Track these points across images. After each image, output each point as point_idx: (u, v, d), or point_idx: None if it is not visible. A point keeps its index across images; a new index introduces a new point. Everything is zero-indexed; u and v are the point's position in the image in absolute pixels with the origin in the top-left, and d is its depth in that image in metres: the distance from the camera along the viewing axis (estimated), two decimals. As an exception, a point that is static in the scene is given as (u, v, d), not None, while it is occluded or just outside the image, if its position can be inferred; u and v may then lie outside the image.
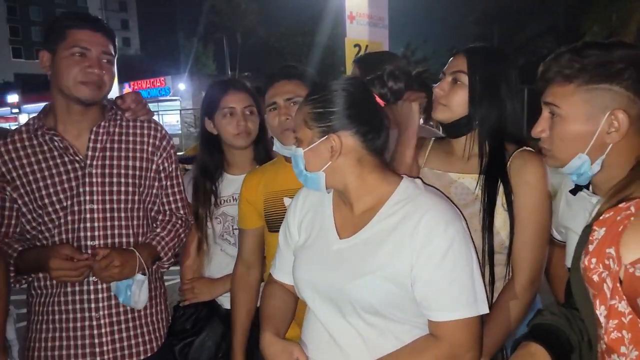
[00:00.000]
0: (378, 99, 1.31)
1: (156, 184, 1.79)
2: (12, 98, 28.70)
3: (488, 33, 28.95)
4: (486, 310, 1.20)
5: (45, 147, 1.65)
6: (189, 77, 28.15)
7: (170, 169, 1.82)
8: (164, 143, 1.81)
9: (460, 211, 1.29)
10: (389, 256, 1.19)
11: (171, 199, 1.83)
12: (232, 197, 2.01)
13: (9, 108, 28.14)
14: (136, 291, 1.65)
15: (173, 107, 25.57)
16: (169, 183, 1.82)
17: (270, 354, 1.29)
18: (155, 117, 1.91)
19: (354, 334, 1.23)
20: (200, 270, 2.06)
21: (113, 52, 1.66)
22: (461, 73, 1.48)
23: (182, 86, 26.87)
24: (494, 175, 1.46)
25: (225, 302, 2.00)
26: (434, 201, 1.23)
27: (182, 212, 1.86)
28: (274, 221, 1.74)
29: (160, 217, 1.82)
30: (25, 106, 27.82)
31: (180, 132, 23.13)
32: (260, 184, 1.79)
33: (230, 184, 2.02)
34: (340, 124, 1.23)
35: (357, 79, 1.33)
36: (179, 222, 1.84)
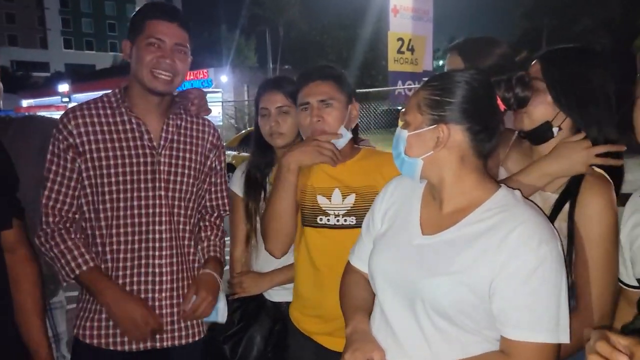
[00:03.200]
0: (500, 102, 1.27)
1: (207, 179, 1.87)
2: (63, 87, 29.79)
3: (537, 27, 28.05)
4: (567, 341, 1.11)
5: (121, 127, 1.68)
6: (231, 69, 28.49)
7: (220, 167, 1.92)
8: (219, 143, 1.92)
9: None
10: (471, 262, 1.13)
11: (219, 195, 1.92)
12: None
13: (60, 97, 29.22)
14: (221, 307, 1.80)
15: (215, 99, 25.96)
16: (218, 180, 1.91)
17: (356, 340, 1.24)
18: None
19: (419, 334, 1.19)
20: (248, 263, 2.09)
21: (188, 42, 1.70)
22: (536, 80, 1.40)
23: (224, 78, 27.21)
24: (565, 197, 1.37)
25: (273, 295, 2.03)
26: (530, 215, 1.15)
27: (227, 208, 1.97)
28: (309, 216, 1.75)
29: (207, 217, 1.91)
30: (74, 95, 28.85)
31: (221, 123, 23.52)
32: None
33: None
34: (454, 116, 1.18)
35: (485, 75, 1.28)
36: (222, 226, 1.95)
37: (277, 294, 2.02)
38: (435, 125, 1.19)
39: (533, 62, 1.46)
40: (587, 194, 1.34)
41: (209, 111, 1.93)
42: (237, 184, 2.07)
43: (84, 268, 1.62)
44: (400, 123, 1.28)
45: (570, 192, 1.37)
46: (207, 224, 1.91)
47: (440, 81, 1.22)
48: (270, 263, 2.00)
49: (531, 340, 1.08)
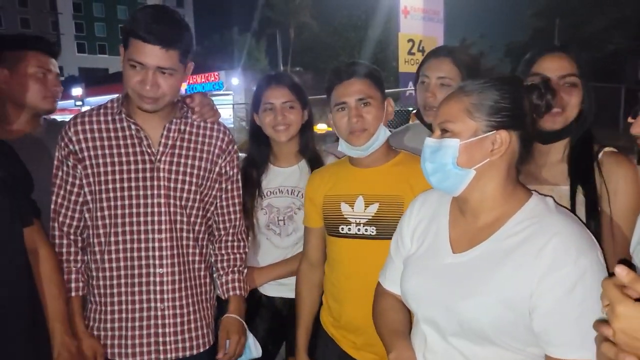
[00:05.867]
0: None
1: (216, 186, 1.81)
2: (76, 91, 30.03)
3: (549, 27, 27.76)
4: None
5: (120, 134, 1.66)
6: (242, 72, 28.55)
7: (232, 173, 1.84)
8: (230, 147, 1.82)
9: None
10: (507, 278, 1.09)
11: (230, 202, 1.85)
12: (279, 189, 2.03)
13: (73, 100, 29.48)
14: (251, 343, 1.84)
15: (226, 102, 26.05)
16: (230, 187, 1.85)
17: None
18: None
19: (459, 357, 1.14)
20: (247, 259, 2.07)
21: (176, 62, 1.56)
22: (573, 76, 1.42)
23: (235, 81, 27.28)
24: (581, 183, 1.37)
25: (267, 289, 2.05)
26: (565, 224, 1.10)
27: (239, 215, 1.88)
28: (331, 225, 1.73)
29: (222, 240, 1.86)
30: (88, 99, 29.10)
31: (232, 125, 23.58)
32: (321, 183, 1.79)
33: (277, 176, 2.05)
34: (513, 122, 1.14)
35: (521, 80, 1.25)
36: (242, 244, 1.90)
37: (272, 289, 2.04)
38: (493, 132, 1.13)
39: (554, 55, 1.46)
40: (616, 169, 1.34)
41: (216, 116, 1.83)
42: None
43: (72, 294, 1.67)
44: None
45: (581, 173, 1.37)
46: (223, 253, 1.85)
47: (490, 84, 1.16)
48: (269, 258, 2.02)
49: (580, 358, 1.03)
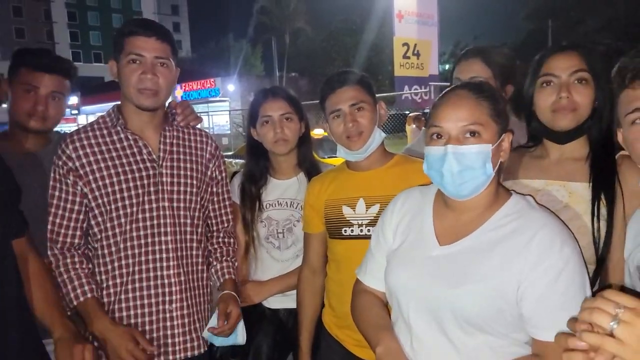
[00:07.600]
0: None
1: (209, 189, 1.90)
2: (72, 100, 30.04)
3: (542, 28, 27.94)
4: None
5: (119, 145, 1.71)
6: (238, 78, 28.61)
7: (221, 177, 1.94)
8: (217, 152, 1.94)
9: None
10: (495, 268, 1.15)
11: (221, 204, 1.95)
12: (277, 201, 2.05)
13: (69, 109, 29.48)
14: (240, 329, 1.84)
15: (222, 108, 26.09)
16: (220, 190, 1.94)
17: None
18: (205, 118, 1.99)
19: (447, 345, 1.19)
20: (247, 274, 2.10)
21: (169, 55, 1.69)
22: (584, 72, 1.40)
23: (231, 87, 27.33)
24: (603, 182, 1.38)
25: (271, 302, 2.05)
26: (547, 219, 1.18)
27: (230, 218, 1.97)
28: (333, 228, 1.76)
29: (214, 237, 1.93)
30: (83, 107, 29.12)
31: (229, 131, 23.62)
32: (322, 189, 1.81)
33: (276, 189, 2.06)
34: (507, 124, 1.24)
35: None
36: (232, 241, 1.97)
37: (275, 301, 2.04)
38: (503, 135, 1.22)
39: (562, 53, 1.45)
40: (630, 171, 1.35)
41: (198, 120, 1.95)
42: (235, 194, 2.08)
43: (81, 299, 1.64)
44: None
45: (601, 179, 1.38)
46: (215, 246, 1.92)
47: (492, 91, 1.26)
48: (269, 272, 2.03)
49: None
